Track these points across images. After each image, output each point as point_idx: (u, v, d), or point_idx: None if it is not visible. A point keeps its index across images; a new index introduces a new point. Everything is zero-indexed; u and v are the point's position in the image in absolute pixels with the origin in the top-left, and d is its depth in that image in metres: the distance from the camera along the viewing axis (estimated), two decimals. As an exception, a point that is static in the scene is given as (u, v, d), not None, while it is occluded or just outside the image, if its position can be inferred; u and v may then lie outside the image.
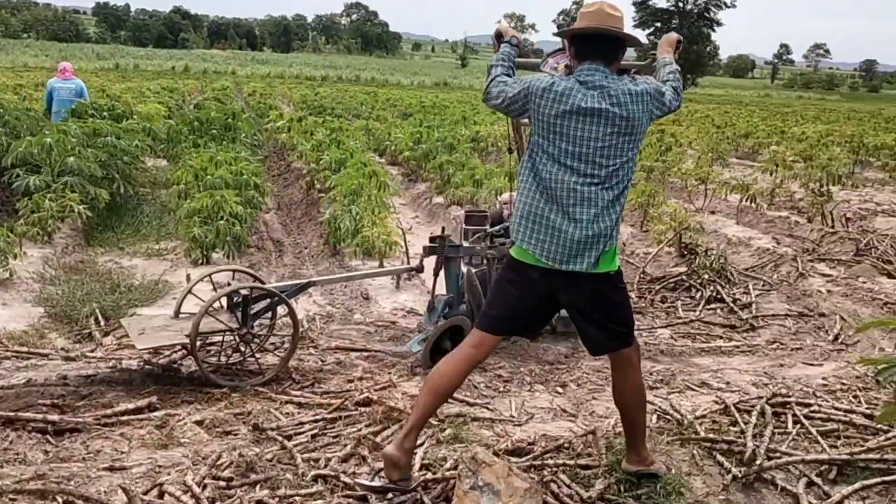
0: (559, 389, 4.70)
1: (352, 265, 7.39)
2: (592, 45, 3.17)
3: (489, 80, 3.40)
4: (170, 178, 8.08)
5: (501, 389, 4.60)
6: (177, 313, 4.88)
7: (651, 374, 4.98)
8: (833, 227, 9.90)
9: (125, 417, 3.89)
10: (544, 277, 3.13)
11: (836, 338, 5.96)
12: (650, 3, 77.68)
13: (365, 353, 5.11)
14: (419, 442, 3.39)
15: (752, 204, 9.99)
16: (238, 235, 6.98)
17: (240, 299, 4.76)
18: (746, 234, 9.29)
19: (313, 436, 3.69)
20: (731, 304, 6.62)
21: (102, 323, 5.67)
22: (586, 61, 3.16)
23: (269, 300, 4.80)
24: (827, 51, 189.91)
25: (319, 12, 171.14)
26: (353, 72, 79.04)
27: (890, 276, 7.73)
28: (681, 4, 76.77)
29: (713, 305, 6.74)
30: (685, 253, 8.16)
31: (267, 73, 67.52)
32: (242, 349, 4.74)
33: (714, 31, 77.42)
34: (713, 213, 10.62)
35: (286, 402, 4.19)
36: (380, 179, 8.43)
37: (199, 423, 3.88)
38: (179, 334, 4.52)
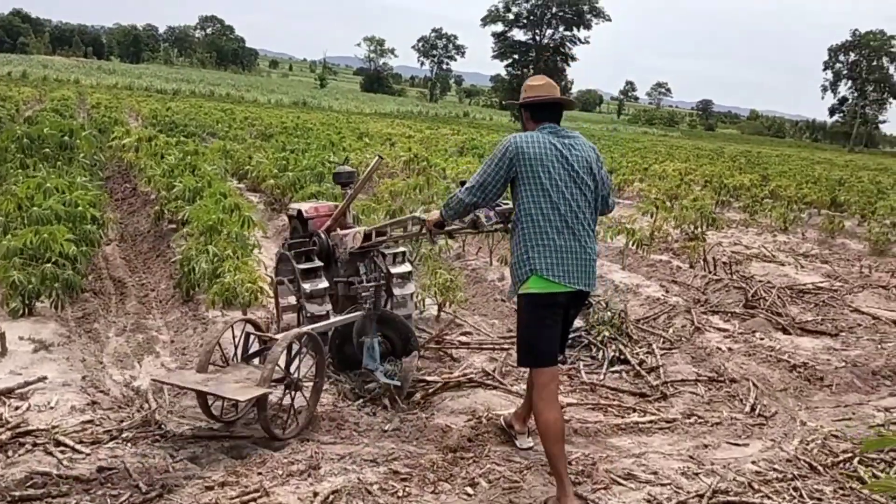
0: (469, 490, 3.89)
1: (209, 316, 6.32)
2: (548, 110, 4.11)
3: (454, 200, 4.15)
4: (-12, 207, 6.73)
5: (401, 494, 3.74)
6: (204, 367, 4.41)
7: (570, 462, 4.27)
8: (715, 273, 9.68)
9: None
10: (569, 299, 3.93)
11: (752, 408, 5.48)
12: (509, 35, 79.26)
13: (229, 442, 4.13)
14: None
15: (637, 248, 9.61)
16: (70, 281, 5.79)
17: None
18: (633, 281, 8.86)
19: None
20: (638, 367, 6.04)
21: None
22: (544, 122, 4.07)
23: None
24: (668, 89, 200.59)
25: (172, 23, 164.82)
26: (207, 86, 76.38)
27: (785, 330, 7.45)
28: (538, 38, 78.72)
29: (617, 368, 6.15)
30: (578, 303, 7.59)
31: (114, 84, 64.03)
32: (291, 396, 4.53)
33: (569, 65, 79.87)
34: (597, 256, 10.18)
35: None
36: (242, 214, 7.40)
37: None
38: (257, 386, 4.19)
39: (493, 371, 5.68)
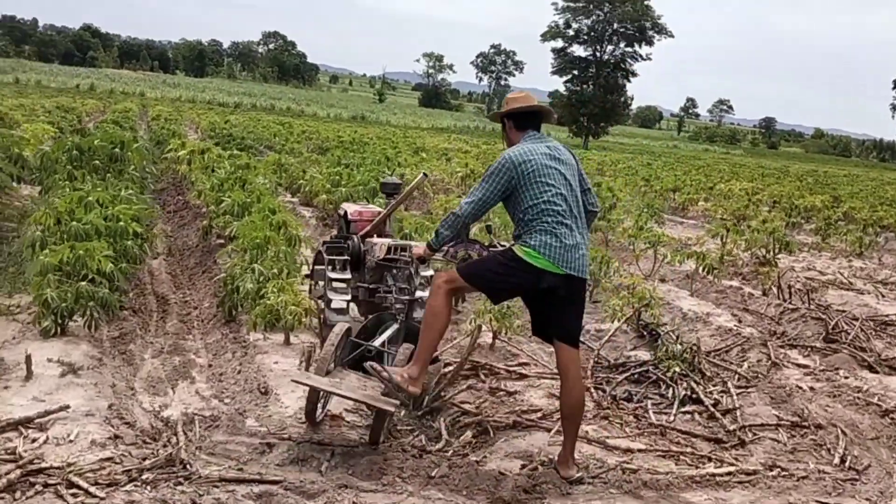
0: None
1: (249, 339, 5.96)
2: (530, 118, 4.60)
3: (450, 217, 4.47)
4: (32, 220, 6.50)
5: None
6: (323, 371, 4.43)
7: (640, 524, 3.77)
8: (790, 301, 9.03)
9: None
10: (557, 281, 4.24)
11: (842, 460, 4.89)
12: (569, 51, 78.51)
13: (258, 487, 3.72)
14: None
15: (708, 274, 9.01)
16: (106, 300, 5.49)
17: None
18: (703, 309, 8.27)
19: None
20: (712, 409, 5.49)
21: None
22: (526, 131, 4.55)
23: None
24: (730, 107, 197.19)
25: (236, 39, 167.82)
26: (268, 100, 77.36)
27: (871, 368, 6.81)
28: (598, 54, 77.81)
29: (689, 408, 5.60)
30: (644, 333, 7.06)
31: (178, 97, 65.21)
32: None
33: (630, 81, 78.72)
34: (663, 280, 9.61)
35: None
36: (291, 232, 7.05)
37: None
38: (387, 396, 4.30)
39: (553, 412, 5.17)
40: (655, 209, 13.54)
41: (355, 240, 6.44)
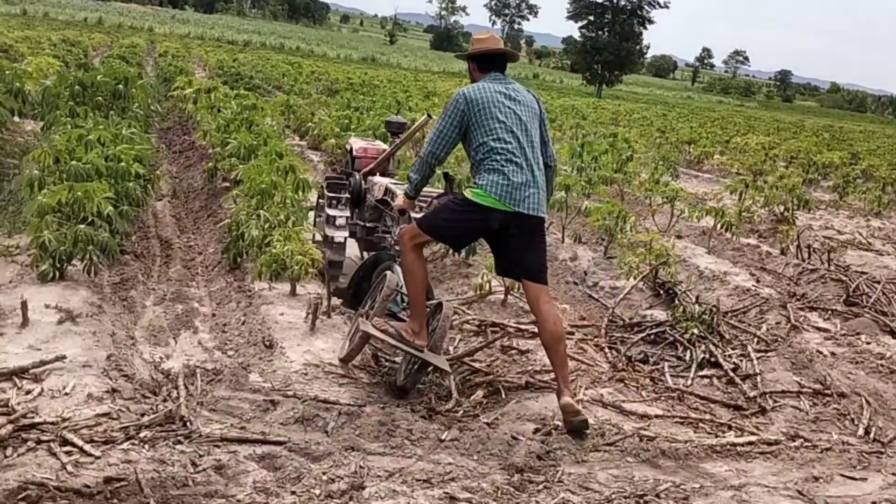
0: (540, 526, 3.26)
1: (254, 289, 5.77)
2: (494, 61, 4.62)
3: (416, 162, 4.66)
4: (30, 158, 6.26)
5: (461, 530, 3.14)
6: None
7: (658, 495, 3.60)
8: (809, 261, 8.79)
9: None
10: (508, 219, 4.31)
11: (866, 431, 4.72)
12: (585, -5, 76.94)
13: (261, 448, 3.55)
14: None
15: (726, 231, 8.76)
16: (105, 243, 5.28)
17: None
18: (720, 268, 8.04)
19: None
20: (732, 373, 5.30)
21: None
22: (490, 72, 4.58)
23: None
24: (746, 58, 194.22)
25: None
26: (277, 39, 76.27)
27: (893, 334, 6.61)
28: (614, 0, 76.25)
29: (707, 372, 5.42)
30: (660, 292, 6.85)
31: (187, 34, 64.27)
32: None
33: (646, 28, 77.23)
34: (679, 237, 9.36)
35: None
36: (298, 177, 6.81)
37: None
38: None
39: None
40: (671, 162, 13.24)
41: (357, 177, 6.43)
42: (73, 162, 5.77)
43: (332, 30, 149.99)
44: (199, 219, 8.22)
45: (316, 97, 18.93)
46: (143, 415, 3.71)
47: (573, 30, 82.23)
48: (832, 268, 8.38)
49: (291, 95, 17.04)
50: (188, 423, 3.67)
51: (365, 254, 6.29)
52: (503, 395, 4.69)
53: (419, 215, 5.21)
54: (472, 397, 4.70)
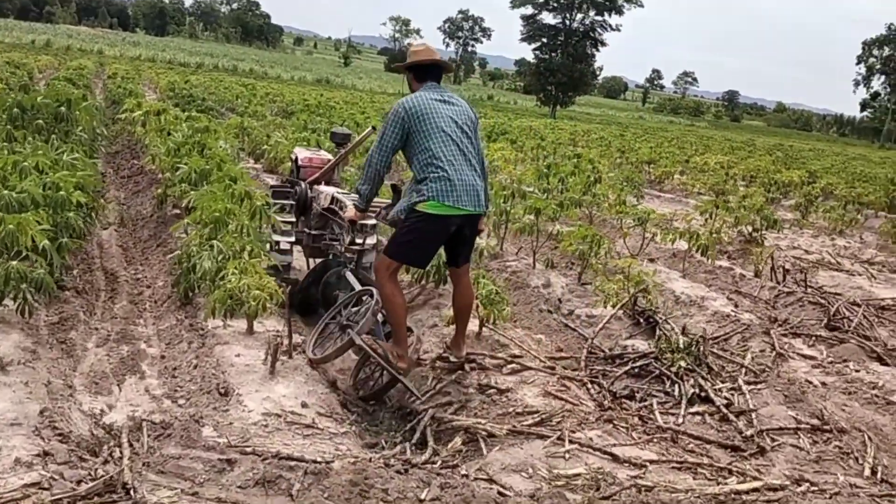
0: None
1: (208, 326, 5.29)
2: (430, 71, 4.95)
3: (362, 172, 5.04)
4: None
5: None
6: None
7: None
8: (784, 283, 8.57)
9: None
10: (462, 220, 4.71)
11: (872, 471, 4.40)
12: (538, 18, 77.51)
13: (214, 519, 3.09)
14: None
15: (699, 253, 8.49)
16: (40, 280, 4.78)
17: None
18: (696, 292, 7.75)
19: None
20: (725, 410, 4.96)
21: None
22: (426, 82, 4.92)
23: None
24: (695, 79, 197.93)
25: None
26: (231, 61, 75.50)
27: (881, 360, 6.35)
28: (567, 22, 76.90)
29: (698, 408, 5.07)
30: (640, 320, 6.52)
31: (137, 56, 63.23)
32: None
33: (599, 50, 78.03)
34: (652, 260, 9.08)
35: None
36: (255, 204, 6.36)
37: None
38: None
39: (551, 415, 4.59)
40: (636, 183, 13.02)
41: (303, 185, 6.63)
42: (5, 192, 5.24)
43: (285, 52, 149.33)
44: (148, 248, 7.70)
45: (271, 119, 18.45)
46: (79, 482, 3.23)
47: (526, 52, 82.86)
48: (809, 291, 8.16)
49: (245, 117, 16.53)
50: (132, 491, 3.19)
51: (311, 261, 6.60)
52: (484, 442, 4.28)
53: (371, 222, 5.91)
54: (450, 445, 4.29)
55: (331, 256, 6.21)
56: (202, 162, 7.53)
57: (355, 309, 5.14)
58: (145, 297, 6.37)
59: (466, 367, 5.27)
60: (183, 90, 23.14)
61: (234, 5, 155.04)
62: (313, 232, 6.43)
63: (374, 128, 6.34)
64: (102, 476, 3.27)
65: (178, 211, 7.95)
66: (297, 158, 7.04)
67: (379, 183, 4.96)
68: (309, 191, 6.59)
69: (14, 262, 4.70)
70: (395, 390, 5.04)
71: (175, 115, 11.31)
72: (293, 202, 6.61)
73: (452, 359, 5.14)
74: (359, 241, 6.04)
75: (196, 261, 5.62)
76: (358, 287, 5.51)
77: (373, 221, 5.99)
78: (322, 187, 6.54)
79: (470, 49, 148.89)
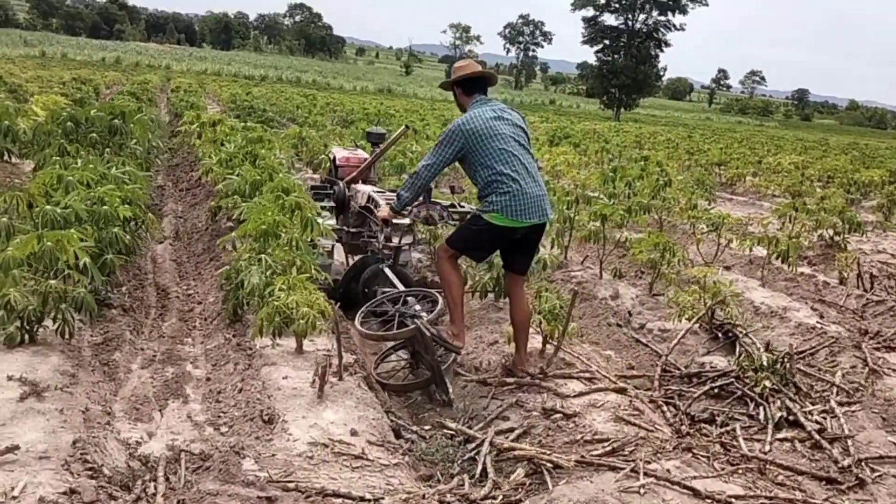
0: None
1: (255, 346, 5.02)
2: (477, 84, 5.16)
3: (409, 180, 5.31)
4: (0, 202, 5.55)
5: None
6: None
7: None
8: (873, 291, 7.96)
9: None
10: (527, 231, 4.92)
11: None
12: (599, 20, 76.56)
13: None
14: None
15: (780, 260, 7.94)
16: (80, 300, 4.57)
17: None
18: (777, 302, 7.21)
19: None
20: (817, 436, 4.48)
21: None
22: (474, 95, 5.13)
23: None
24: (763, 78, 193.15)
25: (262, 11, 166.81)
26: (294, 73, 76.45)
27: None
28: (630, 23, 75.75)
29: (786, 433, 4.60)
30: (718, 335, 6.04)
31: (204, 70, 64.46)
32: None
33: (662, 51, 76.63)
34: (728, 268, 8.55)
35: None
36: (305, 216, 6.10)
37: None
38: None
39: (624, 443, 4.18)
40: (707, 186, 12.43)
41: (341, 185, 6.79)
42: (48, 207, 5.07)
43: (348, 62, 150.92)
44: (201, 263, 7.51)
45: (330, 128, 18.34)
46: (106, 524, 2.96)
47: (588, 55, 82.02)
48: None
49: (305, 127, 16.42)
50: (161, 534, 2.91)
51: (350, 258, 6.72)
52: (550, 475, 3.90)
53: (405, 221, 5.99)
54: (513, 478, 3.92)
55: (369, 253, 6.39)
56: (254, 173, 7.31)
57: (418, 307, 5.43)
58: (195, 313, 6.16)
59: (529, 382, 4.91)
60: (244, 101, 23.27)
61: (297, 18, 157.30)
62: (352, 230, 6.53)
63: (407, 126, 6.64)
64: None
65: (231, 224, 7.76)
66: (334, 158, 7.18)
67: (420, 194, 5.32)
68: (347, 190, 6.71)
69: (53, 281, 4.50)
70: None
71: (231, 126, 11.20)
72: (332, 203, 6.80)
73: (517, 374, 5.08)
74: (395, 239, 6.19)
75: (244, 276, 5.37)
76: (397, 282, 5.87)
77: (407, 221, 6.03)
78: (359, 186, 6.61)
79: (531, 54, 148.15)
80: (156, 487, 3.31)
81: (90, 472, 3.35)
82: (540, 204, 4.85)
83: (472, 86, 5.15)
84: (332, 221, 6.55)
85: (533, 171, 4.92)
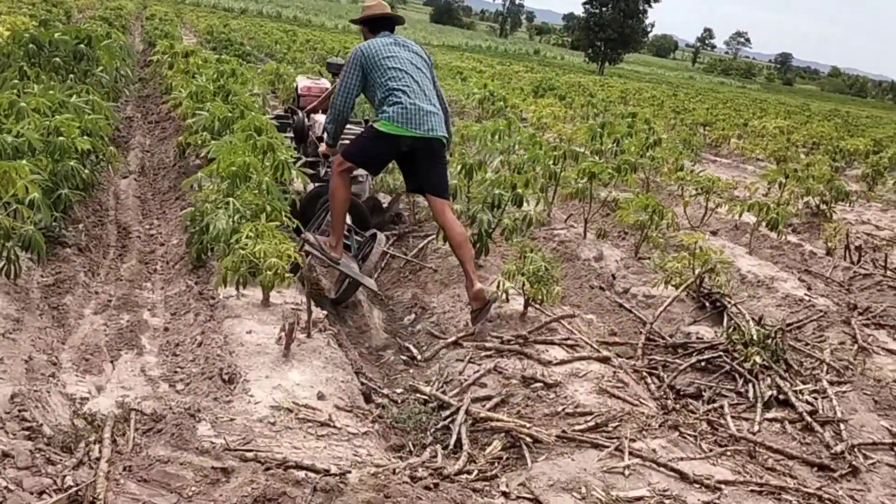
0: None
1: (219, 296, 4.69)
2: (383, 23, 5.46)
3: (328, 114, 5.46)
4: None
5: None
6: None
7: None
8: (860, 263, 7.77)
9: None
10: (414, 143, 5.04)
11: None
12: (589, -28, 75.15)
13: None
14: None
15: (770, 229, 7.70)
16: (29, 238, 4.21)
17: None
18: (764, 272, 6.99)
19: None
20: (808, 417, 4.27)
21: None
22: (380, 33, 5.38)
23: None
24: (748, 39, 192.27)
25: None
26: (275, 7, 74.63)
27: (978, 359, 5.59)
28: (619, -24, 74.42)
29: (776, 413, 4.39)
30: (705, 304, 5.80)
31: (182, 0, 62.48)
32: None
33: (650, 6, 75.54)
34: (714, 233, 8.31)
35: None
36: (278, 157, 5.72)
37: None
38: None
39: (608, 418, 3.92)
40: (694, 147, 12.15)
41: (300, 115, 6.84)
42: (2, 134, 4.65)
43: (330, 0, 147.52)
44: (167, 201, 7.13)
45: (309, 66, 17.73)
46: (41, 493, 2.66)
47: (575, 6, 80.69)
48: (889, 273, 7.36)
49: (283, 64, 15.85)
50: (101, 506, 2.62)
51: (308, 185, 6.60)
52: (529, 449, 3.65)
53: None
54: (489, 450, 3.67)
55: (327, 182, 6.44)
56: (225, 109, 6.89)
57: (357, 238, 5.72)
58: (157, 255, 5.81)
59: (506, 353, 4.63)
60: (221, 34, 22.49)
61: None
62: (309, 159, 6.58)
63: None
64: (70, 487, 2.70)
65: (200, 161, 7.36)
66: (297, 87, 7.23)
67: (344, 122, 5.36)
68: (306, 119, 6.75)
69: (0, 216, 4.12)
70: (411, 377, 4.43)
71: (204, 58, 10.67)
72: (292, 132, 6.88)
73: (475, 307, 4.95)
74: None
75: (210, 220, 5.01)
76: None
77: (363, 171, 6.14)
78: (318, 116, 6.65)
79: (517, 2, 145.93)
80: (101, 451, 3.00)
81: (28, 432, 3.05)
82: (430, 119, 5.00)
83: (378, 25, 5.42)
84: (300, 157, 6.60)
85: (427, 91, 5.13)
